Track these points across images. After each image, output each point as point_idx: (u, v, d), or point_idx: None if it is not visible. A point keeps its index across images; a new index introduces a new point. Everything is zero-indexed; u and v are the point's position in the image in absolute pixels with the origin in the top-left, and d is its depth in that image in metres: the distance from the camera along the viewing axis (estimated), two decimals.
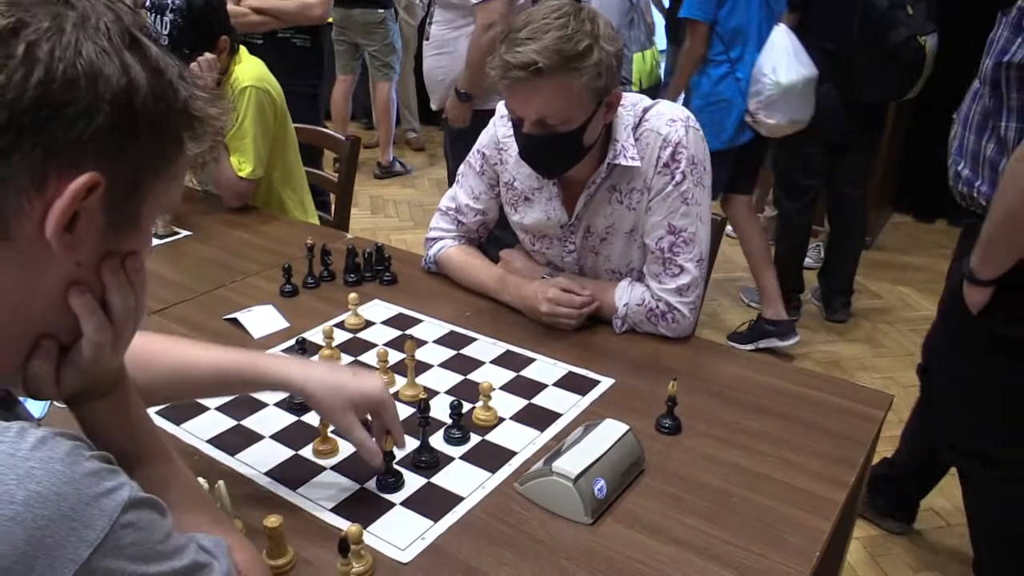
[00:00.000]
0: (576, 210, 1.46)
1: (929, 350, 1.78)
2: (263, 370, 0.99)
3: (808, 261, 3.51)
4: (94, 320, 0.66)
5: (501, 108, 1.57)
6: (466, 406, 1.23)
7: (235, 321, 1.50)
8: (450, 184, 1.77)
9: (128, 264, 0.67)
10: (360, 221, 4.31)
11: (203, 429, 1.20)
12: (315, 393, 0.98)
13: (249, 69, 2.05)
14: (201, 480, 0.97)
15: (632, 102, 1.44)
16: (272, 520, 0.92)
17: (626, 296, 1.44)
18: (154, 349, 0.98)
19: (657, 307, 1.42)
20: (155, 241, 1.92)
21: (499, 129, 1.55)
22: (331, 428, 1.15)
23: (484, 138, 1.60)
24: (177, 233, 1.96)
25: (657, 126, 1.40)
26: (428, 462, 1.11)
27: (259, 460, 1.12)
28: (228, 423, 1.21)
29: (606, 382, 1.30)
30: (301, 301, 1.62)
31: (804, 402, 1.26)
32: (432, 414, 1.19)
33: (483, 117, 1.84)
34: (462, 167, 1.65)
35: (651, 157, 1.39)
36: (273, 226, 2.01)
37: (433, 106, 2.67)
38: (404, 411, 1.21)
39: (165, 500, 0.71)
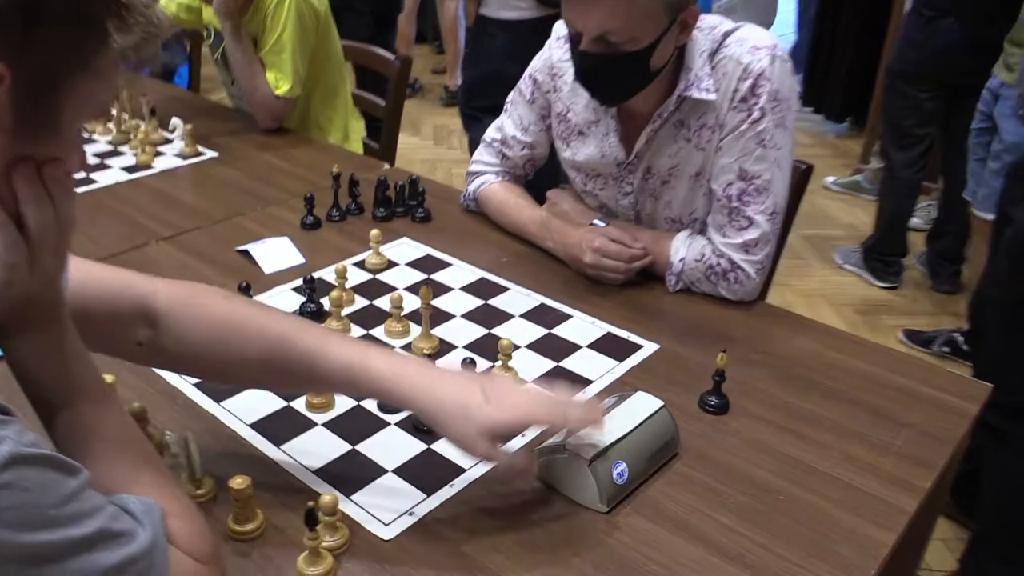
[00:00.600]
0: (636, 147, 1.39)
1: (977, 308, 1.77)
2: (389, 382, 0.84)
3: (916, 222, 3.31)
4: (2, 236, 0.61)
5: (559, 29, 1.49)
6: (484, 365, 1.18)
7: (247, 253, 1.48)
8: None
9: (47, 172, 0.62)
10: (420, 151, 4.27)
11: None
12: (444, 424, 0.85)
13: None
14: (169, 434, 0.93)
15: (711, 24, 1.34)
16: (238, 482, 0.88)
17: (684, 249, 1.38)
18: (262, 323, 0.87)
19: (718, 264, 1.35)
20: (178, 162, 1.90)
21: (555, 52, 1.48)
22: None
23: (537, 62, 1.52)
24: (201, 154, 1.94)
25: (738, 54, 1.30)
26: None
27: (245, 409, 1.09)
28: None
29: (649, 347, 1.24)
30: (322, 235, 1.58)
31: (884, 388, 1.16)
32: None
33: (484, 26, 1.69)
34: (511, 94, 1.57)
35: (727, 89, 1.30)
36: (305, 150, 1.97)
37: None
38: None
39: (89, 451, 0.65)
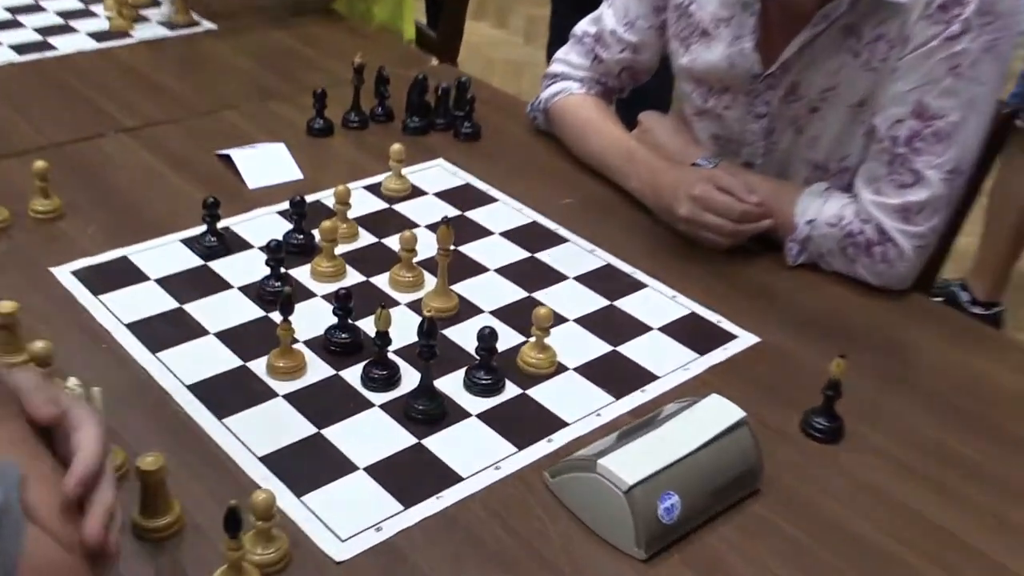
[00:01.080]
0: (784, 55, 1.38)
1: None
2: None
3: None
4: None
5: None
6: (512, 339, 1.17)
7: (229, 160, 1.48)
8: None
9: None
10: (504, 48, 4.25)
11: (127, 306, 1.19)
12: None
13: None
14: (72, 383, 0.92)
15: None
16: (149, 461, 0.87)
17: (815, 208, 1.36)
18: None
19: (861, 232, 1.32)
20: (163, 32, 1.92)
21: None
22: (299, 337, 1.13)
23: None
24: (195, 24, 1.95)
25: None
26: (427, 413, 1.05)
27: (188, 365, 1.10)
28: (164, 303, 1.20)
29: (745, 339, 1.23)
30: (332, 145, 1.58)
31: None
32: (458, 340, 1.16)
33: None
34: None
35: None
36: (332, 30, 1.97)
37: None
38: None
39: None
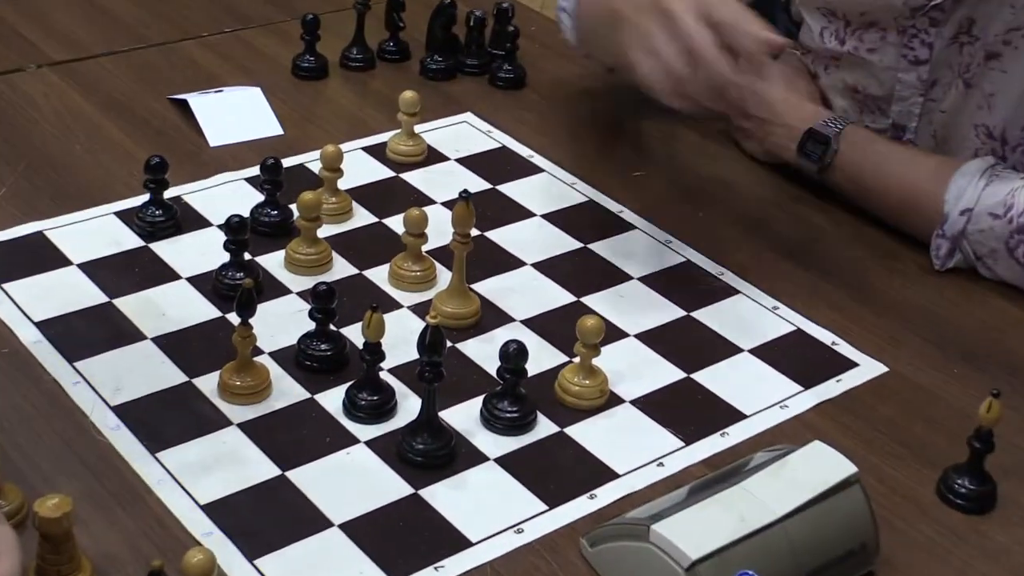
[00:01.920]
0: None
1: None
2: None
3: None
4: None
5: None
6: (549, 358, 1.18)
7: (186, 106, 1.51)
8: None
9: None
10: None
11: (39, 298, 1.20)
12: None
13: None
14: None
15: None
16: (50, 505, 0.86)
17: (972, 193, 1.36)
18: None
19: None
20: None
21: None
22: (263, 347, 1.14)
23: None
24: None
25: None
26: (428, 455, 1.07)
27: (115, 378, 1.11)
28: (89, 296, 1.21)
29: (868, 368, 1.23)
30: (325, 90, 1.60)
31: None
32: (475, 358, 1.18)
33: None
34: None
35: None
36: None
37: None
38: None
39: None
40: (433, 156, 1.47)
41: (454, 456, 1.06)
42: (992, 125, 1.42)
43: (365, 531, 0.98)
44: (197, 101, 1.50)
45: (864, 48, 1.49)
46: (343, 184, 1.36)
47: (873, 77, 1.50)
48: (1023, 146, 1.41)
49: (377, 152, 1.46)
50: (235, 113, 1.50)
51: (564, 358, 1.17)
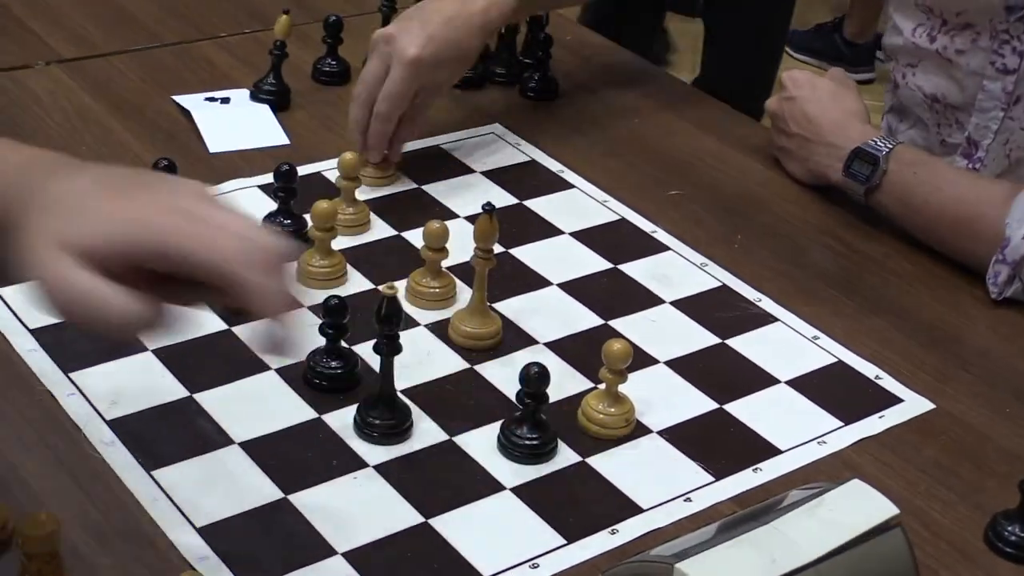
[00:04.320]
0: None
1: None
2: None
3: None
4: None
5: None
6: (573, 384, 1.19)
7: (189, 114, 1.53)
8: None
9: None
10: None
11: (35, 307, 1.18)
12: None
13: None
14: None
15: None
16: (36, 523, 0.86)
17: None
18: None
19: None
20: None
21: None
22: (273, 364, 1.15)
23: None
24: None
25: None
26: (387, 431, 1.10)
27: (112, 391, 1.11)
28: None
29: (914, 404, 1.23)
30: (347, 95, 1.57)
31: None
32: (495, 380, 1.18)
33: None
34: None
35: None
36: None
37: None
38: (453, 363, 1.21)
39: None
40: (458, 168, 1.48)
41: (408, 425, 1.10)
42: None
43: (369, 560, 0.98)
44: (199, 107, 1.52)
45: (953, 49, 1.50)
46: (361, 194, 1.36)
47: (956, 83, 1.51)
48: None
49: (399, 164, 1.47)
50: (238, 119, 1.52)
51: (589, 384, 1.17)
